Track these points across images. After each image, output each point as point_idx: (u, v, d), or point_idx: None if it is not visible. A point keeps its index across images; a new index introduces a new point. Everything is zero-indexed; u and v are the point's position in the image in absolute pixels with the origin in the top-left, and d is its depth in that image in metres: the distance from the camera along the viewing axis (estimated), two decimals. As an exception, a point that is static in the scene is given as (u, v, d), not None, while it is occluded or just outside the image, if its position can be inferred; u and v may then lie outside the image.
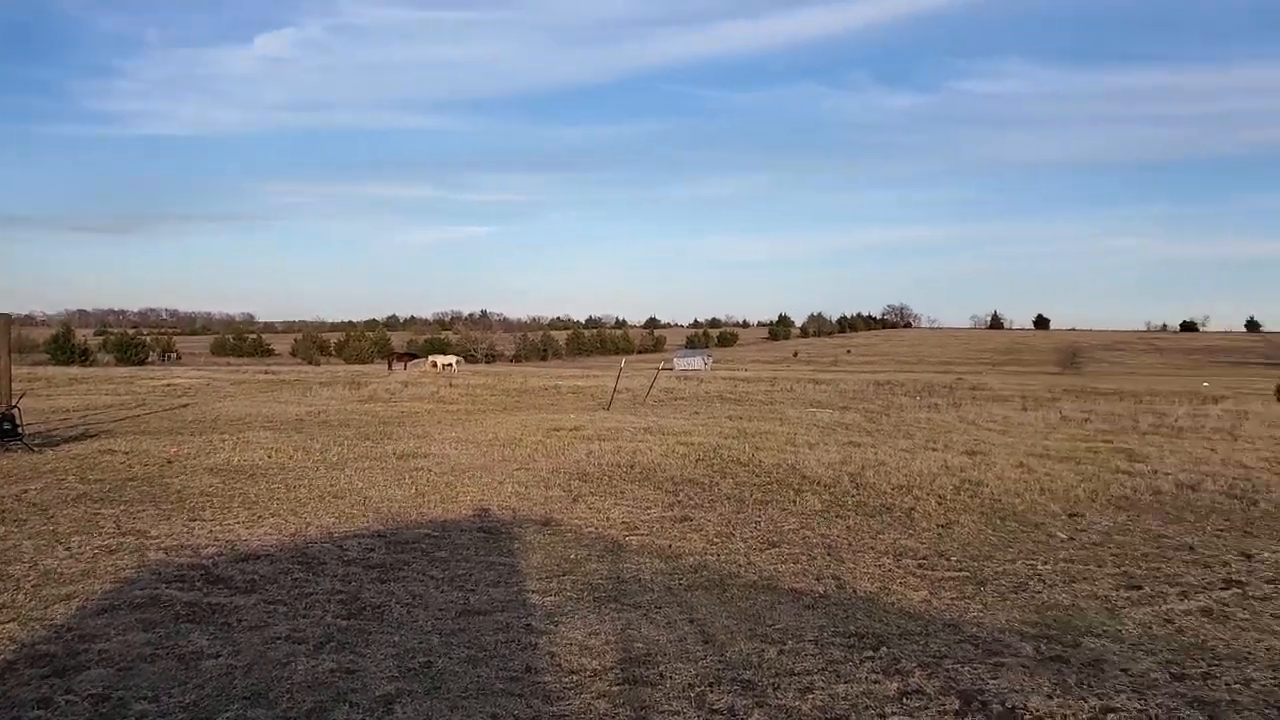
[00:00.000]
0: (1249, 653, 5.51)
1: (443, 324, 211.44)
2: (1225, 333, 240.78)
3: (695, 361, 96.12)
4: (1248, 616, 6.27)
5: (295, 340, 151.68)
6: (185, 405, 25.30)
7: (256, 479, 11.66)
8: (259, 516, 9.29)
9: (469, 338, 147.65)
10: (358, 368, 76.45)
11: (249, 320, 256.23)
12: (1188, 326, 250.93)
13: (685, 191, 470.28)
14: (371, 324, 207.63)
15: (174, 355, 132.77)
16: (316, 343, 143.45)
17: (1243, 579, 7.26)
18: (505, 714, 4.45)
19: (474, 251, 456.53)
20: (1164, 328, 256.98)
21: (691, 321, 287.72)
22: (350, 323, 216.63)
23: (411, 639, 5.56)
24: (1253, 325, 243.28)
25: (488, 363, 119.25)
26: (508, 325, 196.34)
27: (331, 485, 11.21)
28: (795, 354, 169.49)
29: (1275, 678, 5.04)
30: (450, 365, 54.00)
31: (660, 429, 17.97)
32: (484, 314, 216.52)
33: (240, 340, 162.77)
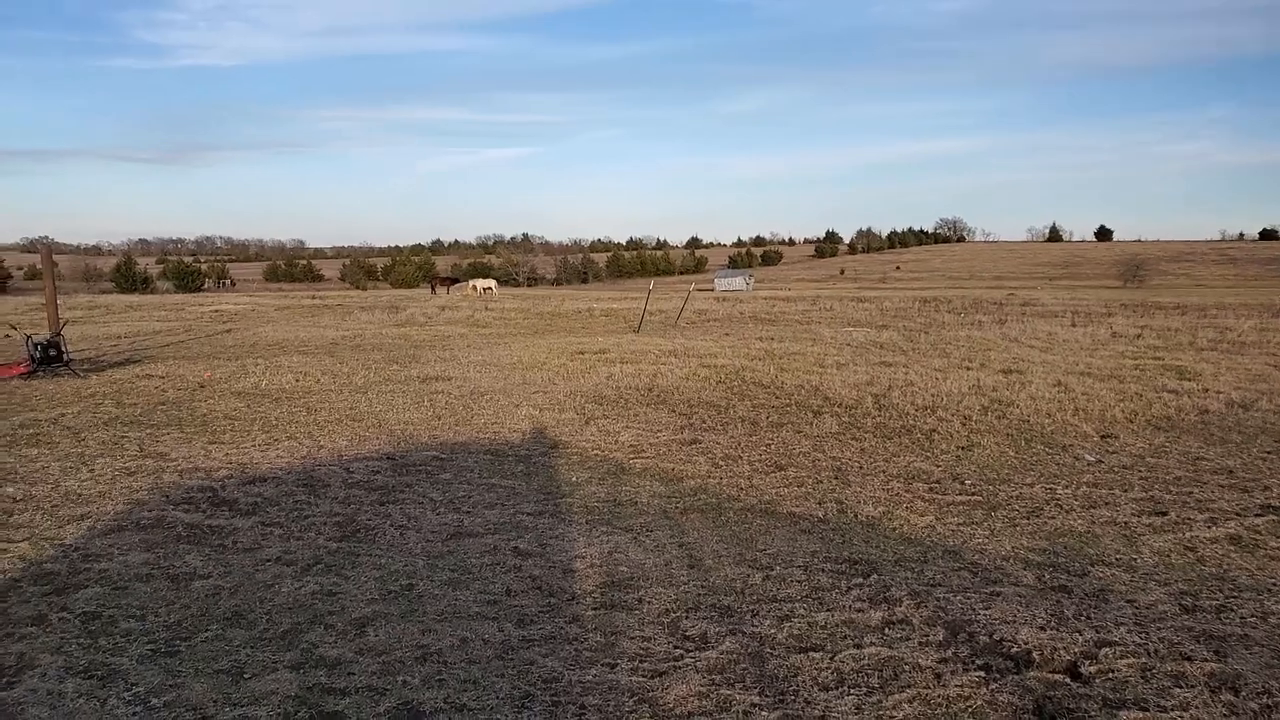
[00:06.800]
0: (1273, 584, 5.19)
1: (485, 248, 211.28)
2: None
3: (736, 282, 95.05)
4: (1279, 545, 5.93)
5: (344, 265, 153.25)
6: (228, 330, 25.71)
7: (280, 402, 11.75)
8: (275, 439, 9.35)
9: (510, 261, 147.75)
10: (401, 292, 77.06)
11: (299, 246, 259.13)
12: (1267, 235, 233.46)
13: (728, 107, 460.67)
14: (417, 248, 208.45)
15: (228, 282, 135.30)
16: (364, 268, 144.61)
17: None
18: (475, 637, 4.37)
19: (515, 174, 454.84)
20: (1240, 236, 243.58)
21: (735, 240, 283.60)
22: (396, 247, 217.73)
23: (398, 562, 5.51)
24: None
25: (528, 286, 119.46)
26: (549, 248, 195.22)
27: (351, 409, 11.25)
28: (842, 271, 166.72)
29: (1293, 609, 4.75)
30: (489, 289, 54.15)
31: (686, 352, 17.74)
32: (525, 237, 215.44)
33: (291, 266, 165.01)
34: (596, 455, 8.68)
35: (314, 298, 52.63)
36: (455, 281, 72.26)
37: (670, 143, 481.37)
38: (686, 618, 4.64)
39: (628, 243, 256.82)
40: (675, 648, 4.29)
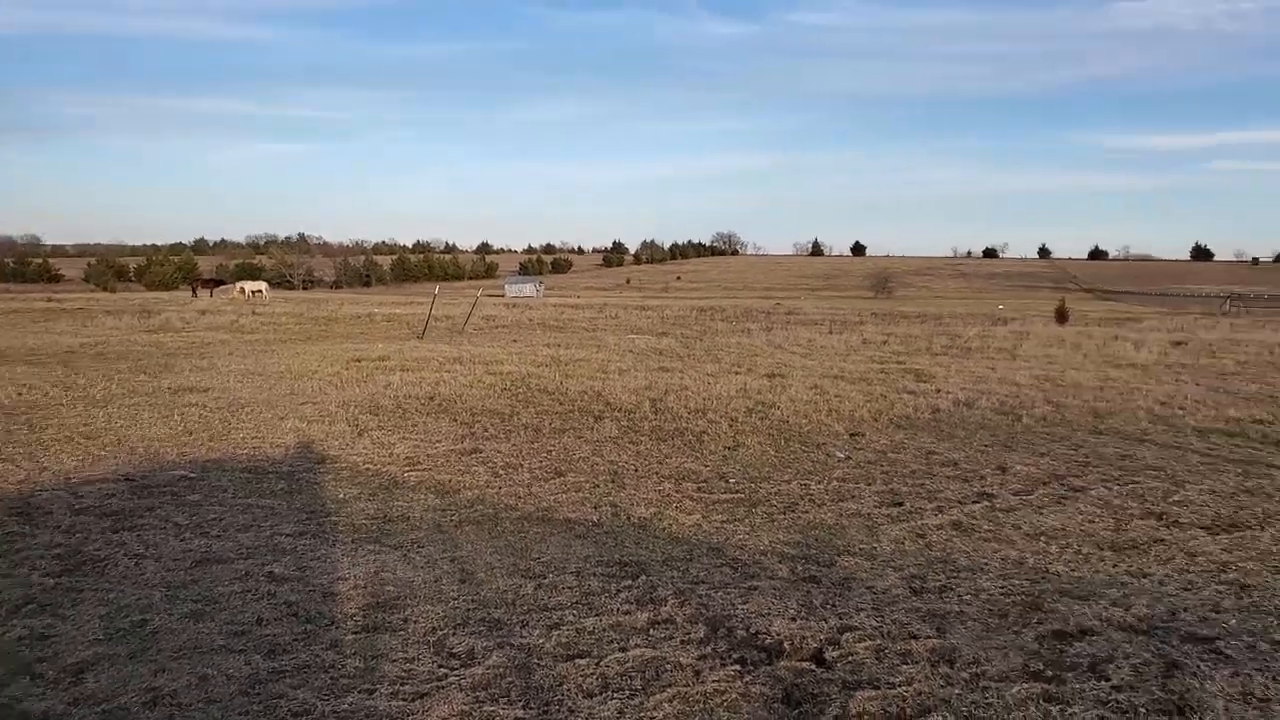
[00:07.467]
0: (985, 563, 5.83)
1: (256, 248, 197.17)
2: (1021, 259, 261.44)
3: (526, 288, 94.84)
4: (991, 528, 6.65)
5: (89, 265, 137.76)
6: (-66, 338, 22.42)
7: (-5, 420, 10.37)
8: (-15, 463, 8.22)
9: (284, 262, 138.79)
10: (157, 295, 70.59)
11: (34, 242, 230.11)
12: (989, 253, 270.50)
13: (522, 114, 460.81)
14: (177, 248, 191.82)
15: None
16: (113, 268, 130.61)
17: (994, 491, 7.73)
18: (217, 674, 4.04)
19: (293, 171, 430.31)
20: (969, 254, 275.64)
21: (526, 247, 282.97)
22: (154, 246, 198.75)
23: (130, 595, 5.00)
24: (1044, 252, 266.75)
25: (304, 289, 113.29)
26: (328, 249, 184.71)
27: (85, 425, 10.13)
28: (628, 280, 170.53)
29: (1003, 586, 5.35)
30: (259, 291, 50.80)
31: (471, 358, 17.47)
32: (302, 237, 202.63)
33: (22, 265, 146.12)
34: (368, 469, 8.33)
35: (49, 300, 47.10)
36: (220, 284, 67.15)
37: (464, 146, 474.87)
38: (454, 634, 4.54)
39: (415, 245, 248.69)
40: (440, 667, 4.17)
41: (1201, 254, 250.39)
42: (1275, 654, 4.33)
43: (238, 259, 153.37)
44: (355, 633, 4.54)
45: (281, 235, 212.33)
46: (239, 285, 53.83)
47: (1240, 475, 8.34)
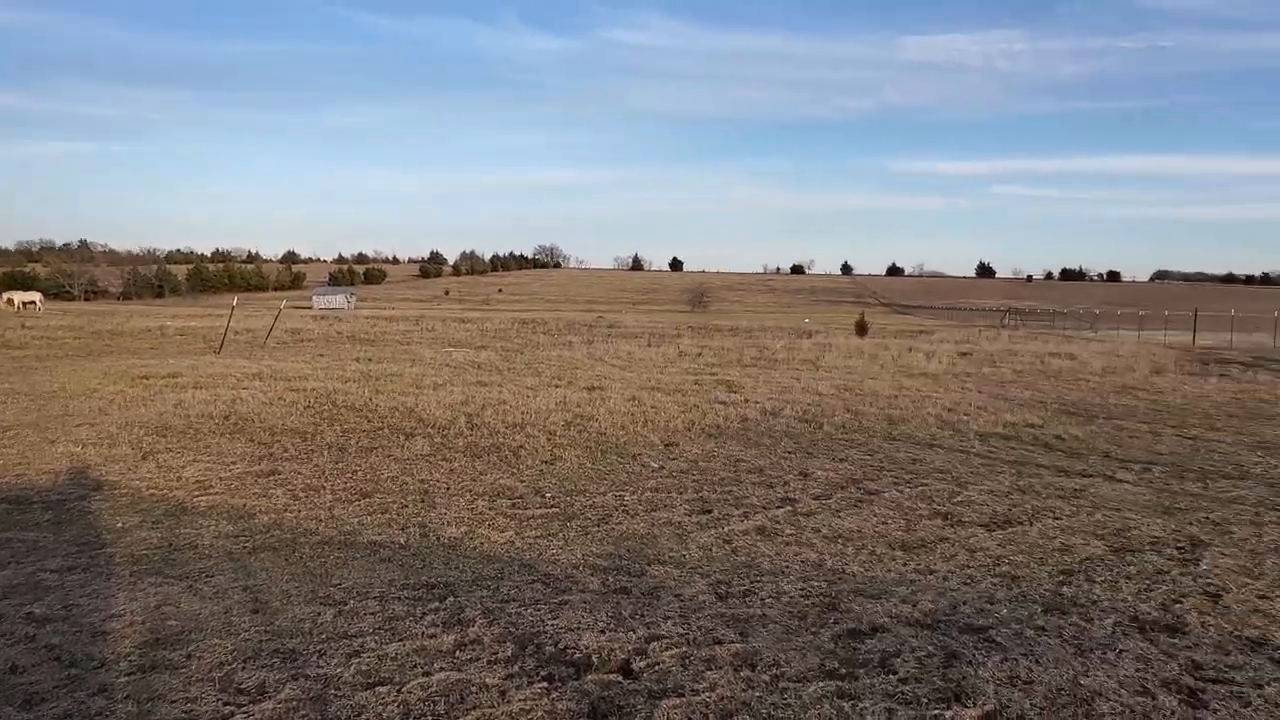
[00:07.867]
0: (787, 566, 6.09)
1: (29, 255, 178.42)
2: (826, 275, 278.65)
3: (337, 299, 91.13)
4: (793, 532, 6.96)
5: None
6: None
7: None
8: None
9: (62, 271, 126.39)
10: (-97, 305, 62.23)
11: None
12: (797, 269, 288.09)
13: (333, 119, 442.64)
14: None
15: None
16: None
17: (796, 497, 8.10)
18: (-43, 735, 3.59)
19: (75, 172, 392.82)
20: (777, 270, 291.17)
21: (336, 256, 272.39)
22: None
23: None
24: (847, 269, 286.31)
25: (86, 300, 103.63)
26: (115, 258, 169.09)
27: None
28: (447, 292, 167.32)
29: (803, 588, 5.60)
30: (31, 303, 45.99)
31: (273, 374, 16.52)
32: (83, 244, 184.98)
33: None
34: (152, 495, 7.68)
35: None
36: (-18, 294, 60.21)
37: (270, 151, 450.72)
38: (243, 668, 4.24)
39: (214, 254, 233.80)
40: (226, 705, 3.89)
41: (985, 271, 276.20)
42: (1039, 639, 4.76)
43: (7, 266, 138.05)
44: (129, 674, 4.15)
45: (60, 241, 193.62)
46: (6, 295, 48.46)
47: (1014, 475, 9.17)
